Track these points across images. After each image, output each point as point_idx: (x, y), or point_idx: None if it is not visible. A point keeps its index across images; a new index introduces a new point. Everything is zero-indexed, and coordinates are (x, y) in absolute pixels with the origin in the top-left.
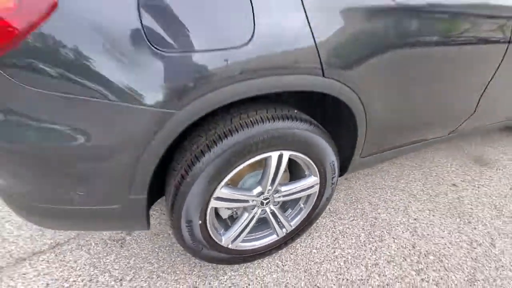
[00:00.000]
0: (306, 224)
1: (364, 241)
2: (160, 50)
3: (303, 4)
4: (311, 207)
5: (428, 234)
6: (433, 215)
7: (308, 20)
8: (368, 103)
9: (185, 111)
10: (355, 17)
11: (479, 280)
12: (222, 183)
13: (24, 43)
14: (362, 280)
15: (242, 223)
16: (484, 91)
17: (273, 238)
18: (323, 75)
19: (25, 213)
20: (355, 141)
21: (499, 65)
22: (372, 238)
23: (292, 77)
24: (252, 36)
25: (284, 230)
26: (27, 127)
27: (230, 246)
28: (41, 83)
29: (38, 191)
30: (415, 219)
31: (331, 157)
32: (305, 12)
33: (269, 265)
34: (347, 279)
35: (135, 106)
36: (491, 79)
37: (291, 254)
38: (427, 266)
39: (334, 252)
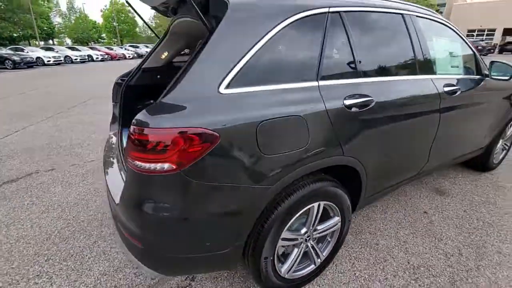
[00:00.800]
0: (332, 254)
1: (373, 262)
2: (265, 154)
3: (332, 126)
4: (335, 239)
5: (416, 252)
6: (416, 237)
7: (335, 133)
8: (366, 165)
9: (276, 186)
10: (357, 127)
11: (457, 281)
12: (286, 227)
13: (203, 157)
14: None
15: (293, 256)
16: (431, 147)
17: (311, 267)
18: (343, 155)
19: (162, 266)
20: (361, 188)
21: (437, 129)
22: (379, 259)
23: (328, 159)
24: (308, 142)
25: (319, 260)
26: (197, 202)
27: (286, 276)
28: (207, 178)
29: (185, 245)
30: (404, 242)
31: (347, 202)
32: (333, 129)
33: (313, 285)
34: None
35: (254, 186)
36: (433, 140)
37: (324, 279)
38: (420, 275)
39: (355, 273)
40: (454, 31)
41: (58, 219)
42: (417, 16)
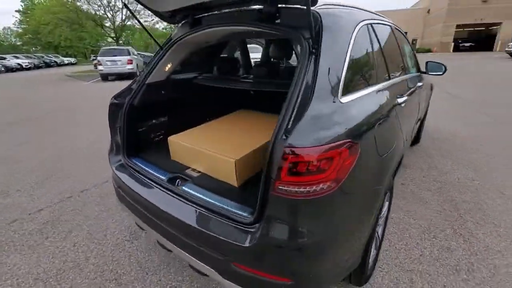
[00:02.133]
0: (382, 237)
1: (400, 234)
2: (380, 155)
3: (399, 122)
4: (384, 222)
5: (419, 216)
6: (411, 205)
7: (400, 128)
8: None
9: (386, 184)
10: (402, 120)
11: (456, 229)
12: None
13: (352, 169)
14: (422, 255)
15: (372, 245)
16: (413, 127)
17: (374, 252)
18: (404, 145)
19: None
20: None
21: (418, 113)
22: (402, 230)
23: (402, 151)
24: (396, 139)
25: (377, 242)
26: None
27: (370, 265)
28: (358, 189)
29: (334, 266)
30: (407, 211)
31: (392, 186)
32: (400, 125)
33: (376, 270)
34: (416, 260)
35: (380, 187)
36: (416, 121)
37: (379, 261)
38: (435, 233)
39: (395, 247)
40: (406, 37)
41: None
42: (395, 27)
